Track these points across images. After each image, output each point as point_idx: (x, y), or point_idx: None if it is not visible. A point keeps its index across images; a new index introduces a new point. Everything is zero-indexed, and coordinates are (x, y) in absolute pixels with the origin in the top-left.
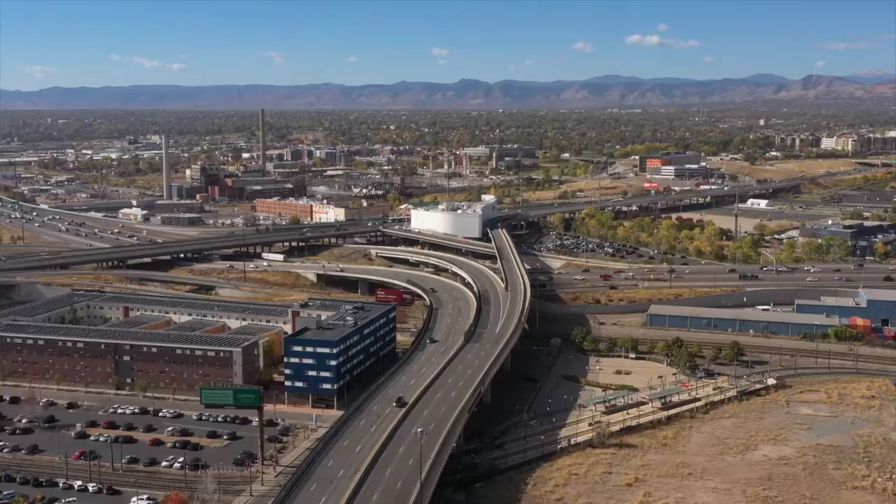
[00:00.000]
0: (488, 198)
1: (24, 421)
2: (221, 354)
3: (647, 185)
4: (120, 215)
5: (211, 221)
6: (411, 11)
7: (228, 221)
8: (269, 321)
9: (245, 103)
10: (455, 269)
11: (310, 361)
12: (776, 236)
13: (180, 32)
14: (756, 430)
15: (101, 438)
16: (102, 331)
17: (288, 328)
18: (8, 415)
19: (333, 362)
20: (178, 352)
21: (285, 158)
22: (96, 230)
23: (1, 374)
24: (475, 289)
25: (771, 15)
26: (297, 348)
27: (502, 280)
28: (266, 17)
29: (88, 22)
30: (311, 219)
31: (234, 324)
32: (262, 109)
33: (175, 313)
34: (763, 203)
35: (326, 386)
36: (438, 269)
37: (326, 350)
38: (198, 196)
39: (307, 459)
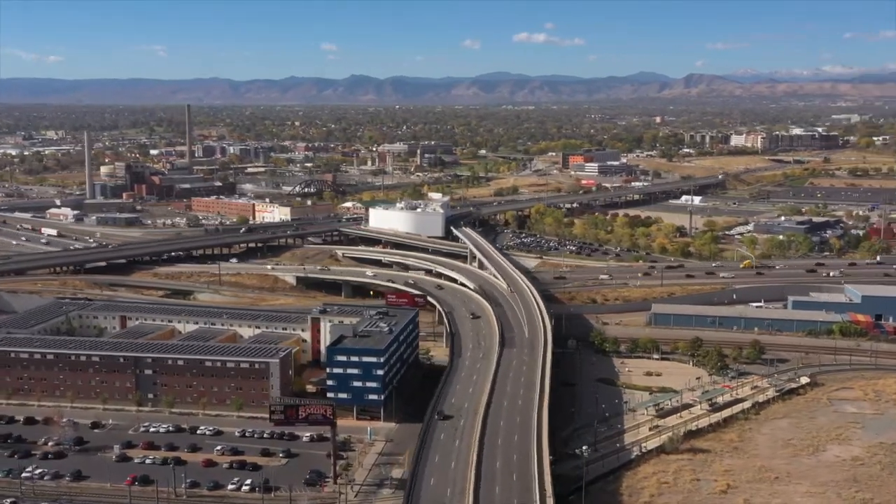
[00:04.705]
0: (435, 195)
1: (50, 444)
2: (257, 366)
3: (584, 181)
4: (48, 215)
5: (149, 222)
6: (299, 5)
7: (169, 221)
8: (286, 329)
9: (130, 98)
10: (441, 269)
11: (355, 371)
12: (726, 233)
13: (55, 23)
14: (815, 430)
15: (147, 461)
16: (121, 343)
17: (307, 336)
18: (28, 437)
19: (380, 371)
20: (208, 364)
21: (197, 155)
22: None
23: (5, 392)
24: (480, 290)
25: (652, 14)
26: (341, 358)
27: (504, 281)
28: (145, 10)
29: None
30: (255, 218)
31: (245, 332)
32: (188, 105)
33: (179, 322)
34: (697, 199)
35: (373, 397)
36: (417, 270)
37: (373, 359)
38: (124, 195)
39: (410, 480)
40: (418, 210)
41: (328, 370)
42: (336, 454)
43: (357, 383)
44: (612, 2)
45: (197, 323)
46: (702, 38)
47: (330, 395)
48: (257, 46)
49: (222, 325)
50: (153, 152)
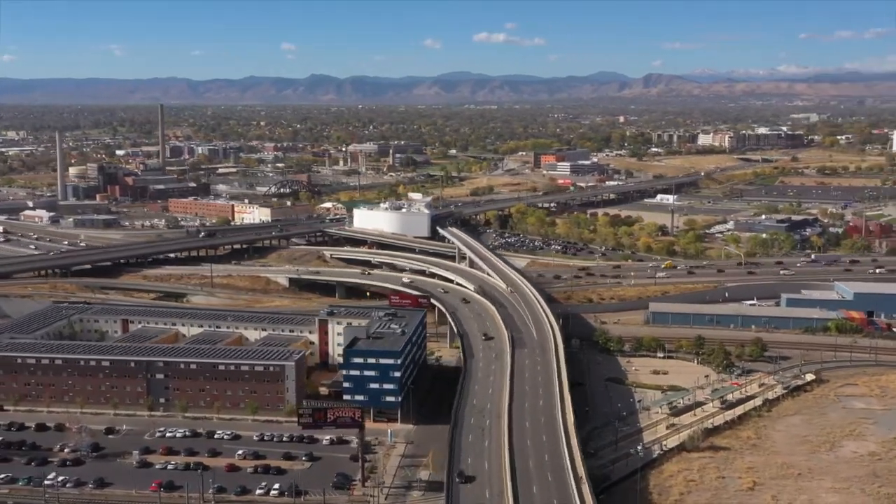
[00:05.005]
0: (416, 196)
1: (66, 450)
2: (272, 369)
3: (561, 181)
4: (22, 217)
5: (127, 223)
6: (257, 5)
7: (148, 223)
8: (293, 331)
9: (87, 97)
10: (435, 270)
11: (371, 373)
12: (707, 231)
13: (8, 21)
14: (828, 426)
15: (169, 466)
16: (131, 347)
17: (314, 338)
18: (42, 444)
19: (397, 373)
20: (222, 368)
21: (164, 156)
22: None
23: (12, 398)
24: (480, 291)
25: (610, 14)
26: (358, 360)
27: (502, 281)
28: (100, 9)
29: None
30: (234, 219)
31: (251, 335)
32: (160, 105)
33: (183, 325)
34: (672, 198)
35: (390, 399)
36: (413, 272)
37: (390, 361)
38: (98, 196)
39: (448, 481)
40: (403, 210)
41: (344, 372)
42: (364, 457)
43: (374, 385)
44: (571, 1)
45: (201, 326)
46: (659, 38)
47: (346, 397)
48: (215, 46)
49: (227, 327)
50: (119, 153)
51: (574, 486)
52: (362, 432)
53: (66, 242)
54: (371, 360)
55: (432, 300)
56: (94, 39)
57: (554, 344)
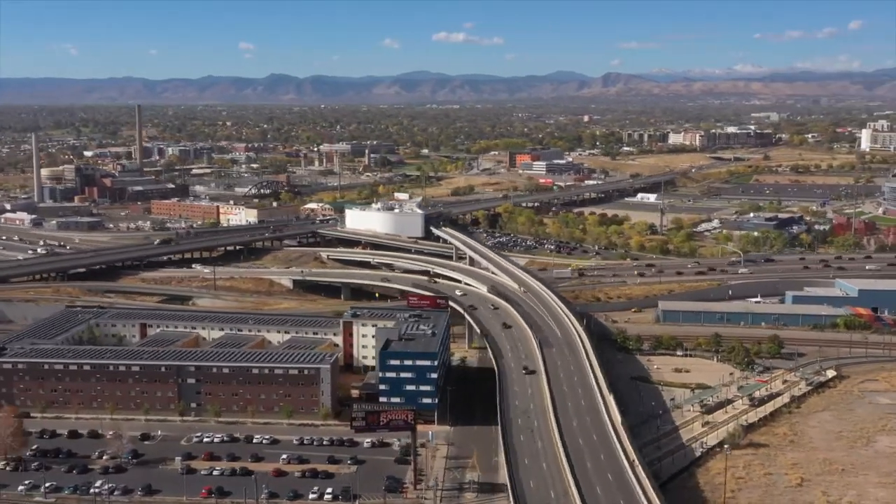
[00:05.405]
0: (402, 196)
1: (105, 457)
2: (307, 372)
3: (543, 180)
4: (3, 220)
5: (111, 226)
6: (214, 5)
7: (133, 225)
8: (317, 333)
9: (43, 98)
10: (439, 270)
11: (408, 375)
12: (694, 230)
13: None
14: (859, 421)
15: (215, 472)
16: (162, 352)
17: (338, 340)
18: (78, 451)
19: (434, 375)
20: (255, 371)
21: (134, 157)
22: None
23: (38, 405)
24: (494, 290)
25: (568, 13)
26: (394, 362)
27: (512, 280)
28: (53, 7)
29: None
30: (219, 221)
31: (273, 338)
32: (138, 105)
33: (203, 328)
34: (652, 197)
35: (427, 400)
36: (413, 272)
37: (427, 363)
38: (76, 198)
39: (512, 483)
40: (396, 211)
41: (380, 374)
42: (416, 460)
43: (410, 387)
44: (529, 1)
45: (222, 329)
46: (616, 38)
47: (382, 399)
48: (172, 45)
49: (249, 330)
50: (87, 153)
51: (638, 488)
52: (415, 434)
53: (51, 244)
54: (407, 362)
55: (450, 302)
56: (48, 39)
57: (581, 342)
